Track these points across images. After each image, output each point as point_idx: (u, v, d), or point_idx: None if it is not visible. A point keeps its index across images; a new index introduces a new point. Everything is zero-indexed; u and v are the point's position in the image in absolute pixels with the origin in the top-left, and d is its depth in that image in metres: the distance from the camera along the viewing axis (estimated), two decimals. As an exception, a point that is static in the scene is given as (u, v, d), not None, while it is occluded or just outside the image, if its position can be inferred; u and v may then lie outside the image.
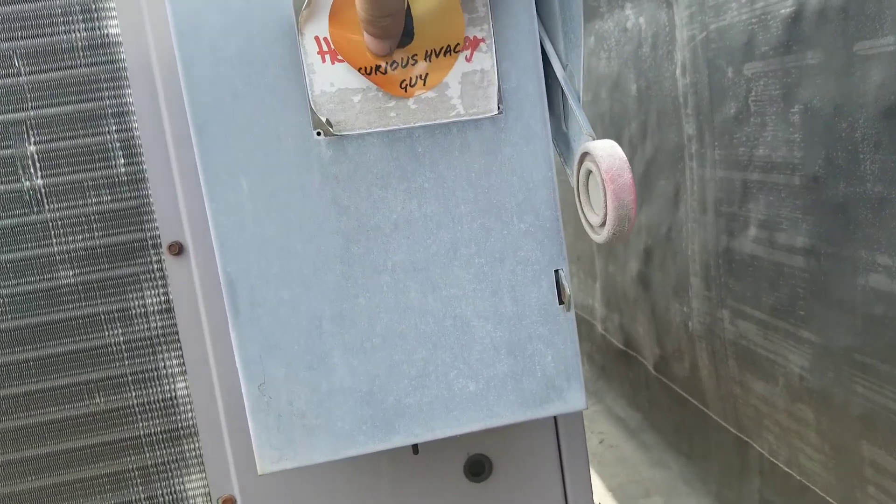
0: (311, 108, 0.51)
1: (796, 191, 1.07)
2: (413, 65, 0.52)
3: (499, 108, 0.53)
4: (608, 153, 0.48)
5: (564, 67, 0.54)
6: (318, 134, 0.52)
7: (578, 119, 0.52)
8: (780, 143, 1.09)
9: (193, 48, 0.50)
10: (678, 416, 1.61)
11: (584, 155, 0.51)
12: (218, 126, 0.51)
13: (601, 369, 2.12)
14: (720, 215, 1.28)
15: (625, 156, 0.48)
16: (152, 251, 0.68)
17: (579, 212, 0.54)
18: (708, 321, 1.40)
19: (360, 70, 0.51)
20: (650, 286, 1.65)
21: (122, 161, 0.67)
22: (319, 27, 0.50)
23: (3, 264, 0.66)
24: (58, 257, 0.67)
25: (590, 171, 0.51)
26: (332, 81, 0.51)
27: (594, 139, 0.51)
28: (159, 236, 0.67)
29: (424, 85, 0.52)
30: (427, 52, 0.52)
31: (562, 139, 0.57)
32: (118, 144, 0.67)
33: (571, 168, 0.55)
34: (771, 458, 1.24)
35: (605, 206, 0.48)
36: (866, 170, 0.91)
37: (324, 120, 0.51)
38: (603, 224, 0.50)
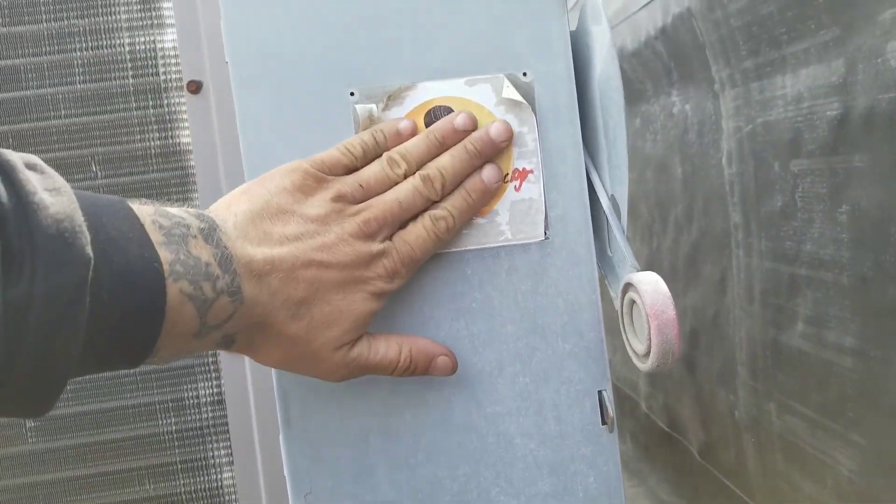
0: (368, 233, 0.54)
1: (845, 290, 1.06)
2: (465, 194, 0.55)
3: (545, 234, 0.56)
4: (653, 288, 0.49)
5: (609, 197, 0.56)
6: (373, 256, 0.55)
7: (622, 249, 0.54)
8: (828, 240, 1.08)
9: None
10: (723, 506, 1.56)
11: (628, 285, 0.52)
12: (280, 247, 0.54)
13: (644, 449, 2.07)
14: (767, 306, 1.27)
15: (668, 291, 0.49)
16: (209, 346, 0.71)
17: (623, 336, 0.55)
18: (754, 412, 1.37)
19: (414, 199, 0.54)
20: (695, 369, 1.63)
21: (187, 260, 0.71)
22: (378, 158, 0.54)
23: (72, 355, 0.70)
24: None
25: (633, 302, 0.52)
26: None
27: (638, 270, 0.52)
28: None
29: (476, 213, 0.55)
30: (479, 181, 0.55)
31: (606, 262, 0.59)
32: (184, 244, 0.71)
33: (616, 293, 0.56)
34: (821, 560, 1.19)
35: (650, 339, 0.49)
36: (917, 276, 0.90)
37: (379, 244, 0.54)
38: (647, 354, 0.51)
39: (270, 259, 0.43)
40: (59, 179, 0.35)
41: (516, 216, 0.55)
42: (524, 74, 0.55)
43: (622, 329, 0.55)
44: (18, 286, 0.30)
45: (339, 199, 0.48)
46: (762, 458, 1.35)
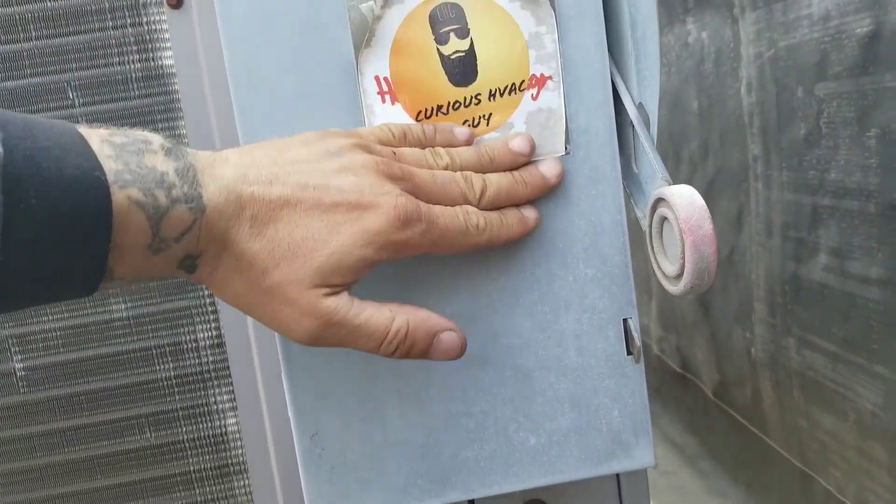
0: (369, 150, 0.49)
1: (871, 218, 1.01)
2: (476, 104, 0.49)
3: (566, 148, 0.50)
4: (687, 201, 0.44)
5: (637, 105, 0.51)
6: (376, 176, 0.49)
7: (653, 162, 0.49)
8: (855, 167, 1.02)
9: (248, 91, 0.48)
10: (738, 444, 1.54)
11: (659, 200, 0.47)
12: (273, 168, 0.49)
13: (656, 391, 2.05)
14: (787, 240, 1.22)
15: (705, 205, 0.44)
16: (204, 287, 0.67)
17: (651, 258, 0.50)
18: (772, 349, 1.34)
19: (418, 113, 0.49)
20: (710, 309, 1.59)
21: (176, 194, 0.66)
22: (380, 66, 0.48)
23: (59, 297, 0.66)
24: (111, 292, 0.66)
25: (664, 218, 0.47)
26: (393, 122, 0.49)
27: (670, 184, 0.47)
28: (212, 270, 0.66)
29: (488, 125, 0.50)
30: (491, 90, 0.49)
31: (632, 180, 0.54)
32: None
33: (644, 211, 0.51)
34: (838, 495, 1.17)
35: (683, 257, 0.44)
36: (954, 200, 0.85)
37: (382, 162, 0.49)
38: (679, 276, 0.46)
39: (244, 173, 0.39)
40: None
41: (534, 128, 0.50)
42: (540, -33, 0.49)
43: (650, 250, 0.50)
44: None
45: (363, 148, 0.42)
46: (779, 395, 1.32)
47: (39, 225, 0.32)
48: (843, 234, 1.07)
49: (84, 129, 0.36)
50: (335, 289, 0.39)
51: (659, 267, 0.49)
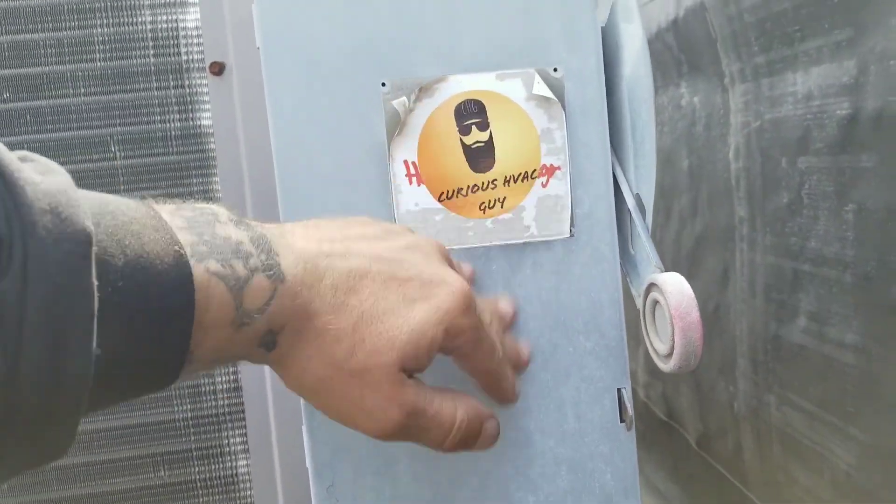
0: (395, 226, 0.54)
1: (847, 287, 1.07)
2: (493, 188, 0.55)
3: (571, 231, 0.56)
4: (678, 289, 0.50)
5: (634, 195, 0.56)
6: (400, 249, 0.55)
7: (647, 249, 0.54)
8: (833, 238, 1.09)
9: (291, 167, 0.53)
10: (719, 495, 1.58)
11: (652, 286, 0.53)
12: (306, 237, 0.54)
13: (641, 437, 2.09)
14: (769, 301, 1.28)
15: (693, 294, 0.49)
16: (225, 332, 0.71)
17: (644, 336, 0.56)
18: (754, 404, 1.39)
19: (441, 194, 0.54)
20: (692, 361, 1.64)
21: (204, 245, 0.70)
22: (408, 152, 0.54)
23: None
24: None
25: (656, 302, 0.53)
26: (417, 202, 0.54)
27: (662, 271, 0.53)
28: (233, 318, 0.71)
29: (503, 207, 0.55)
30: (506, 177, 0.55)
31: (629, 261, 0.59)
32: (201, 229, 0.70)
33: (638, 291, 0.57)
34: (812, 551, 1.22)
35: (673, 340, 0.50)
36: (922, 277, 0.91)
37: (406, 237, 0.54)
38: (669, 355, 0.51)
39: (317, 245, 0.37)
40: (53, 164, 0.30)
41: (542, 212, 0.55)
42: (554, 70, 0.55)
43: (643, 328, 0.56)
44: (8, 274, 0.24)
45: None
46: (760, 449, 1.37)
47: (127, 308, 0.29)
48: (821, 300, 1.14)
49: (152, 203, 0.35)
50: (412, 373, 0.38)
51: (651, 345, 0.55)
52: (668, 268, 0.54)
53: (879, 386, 1.00)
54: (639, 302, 0.56)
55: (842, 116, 1.05)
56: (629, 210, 0.56)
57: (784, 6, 1.12)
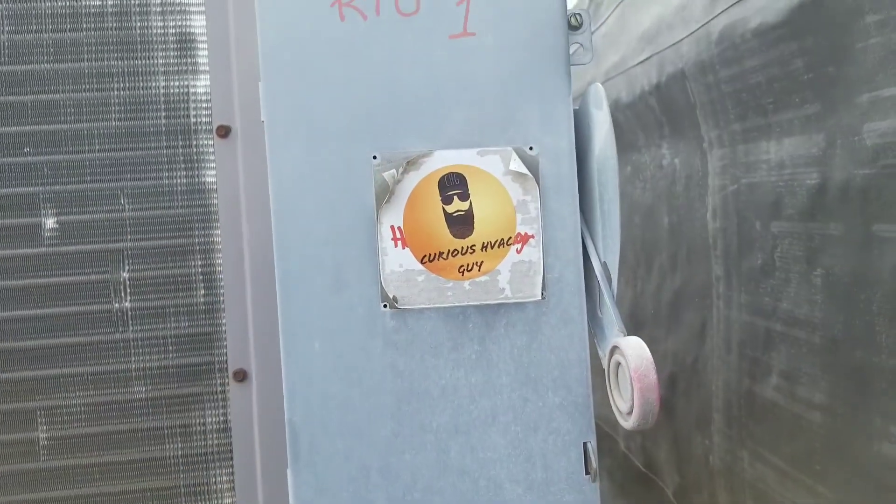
0: (382, 285, 0.59)
1: (816, 349, 1.12)
2: (471, 253, 0.60)
3: (542, 294, 0.61)
4: (637, 353, 0.54)
5: (602, 264, 0.62)
6: (385, 306, 0.60)
7: (612, 314, 0.59)
8: (803, 300, 1.14)
9: (288, 229, 0.59)
10: (693, 547, 1.60)
11: (615, 348, 0.57)
12: (300, 292, 0.59)
13: (620, 487, 2.11)
14: (744, 357, 1.33)
15: (651, 357, 0.54)
16: (218, 375, 0.75)
17: (609, 394, 0.60)
18: (728, 459, 1.42)
19: (424, 257, 0.59)
20: (674, 412, 1.68)
21: (203, 292, 0.75)
22: (395, 218, 0.59)
23: (86, 376, 0.74)
24: (134, 373, 0.75)
25: (619, 364, 0.57)
26: (402, 263, 0.59)
27: (625, 335, 0.58)
28: (227, 362, 0.75)
29: (480, 271, 0.60)
30: (484, 243, 0.60)
31: (596, 323, 0.64)
32: (201, 277, 0.75)
33: (603, 352, 0.62)
34: None
35: (633, 399, 0.54)
36: (882, 342, 0.97)
37: (391, 296, 0.59)
38: (629, 413, 0.56)
39: None
40: None
41: (516, 276, 0.60)
42: (530, 148, 0.60)
43: (608, 387, 0.60)
44: None
45: None
46: (733, 503, 1.40)
47: None
48: (791, 360, 1.18)
49: None
50: None
51: (614, 403, 0.59)
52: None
53: (845, 446, 1.04)
54: (604, 362, 0.61)
55: (811, 185, 1.12)
56: (597, 277, 0.61)
57: (759, 79, 1.20)
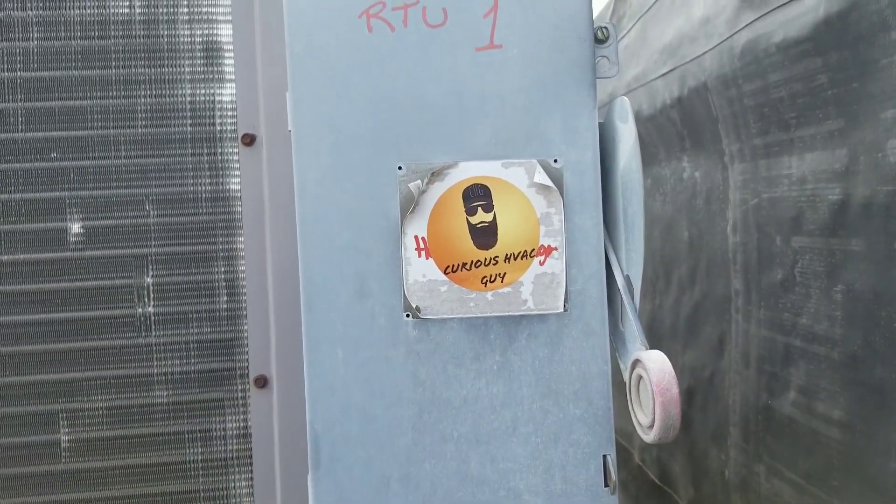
0: (405, 294, 0.59)
1: (836, 365, 1.11)
2: (494, 264, 0.60)
3: (565, 306, 0.61)
4: (659, 367, 0.54)
5: (625, 277, 0.62)
6: (408, 316, 0.60)
7: (634, 328, 0.59)
8: (823, 316, 1.13)
9: (313, 237, 0.59)
10: (707, 563, 1.59)
11: (637, 362, 0.57)
12: (324, 301, 0.59)
13: (635, 500, 2.10)
14: (762, 372, 1.32)
15: (673, 371, 0.54)
16: (239, 381, 0.76)
17: (630, 407, 0.60)
18: (744, 473, 1.41)
19: (447, 268, 0.60)
20: (690, 426, 1.67)
21: (226, 298, 0.76)
22: (419, 228, 0.59)
23: (109, 380, 0.75)
24: (156, 378, 0.75)
25: (640, 377, 0.57)
26: (425, 273, 0.60)
27: (647, 349, 0.57)
28: (248, 368, 0.76)
29: (503, 282, 0.60)
30: (507, 255, 0.60)
31: (618, 336, 0.64)
32: (224, 283, 0.76)
33: (625, 366, 0.61)
34: None
35: (654, 413, 0.54)
36: (904, 360, 0.95)
37: (414, 305, 0.59)
38: (650, 427, 0.55)
39: None
40: None
41: (539, 288, 0.61)
42: (555, 161, 0.61)
43: (629, 400, 0.60)
44: None
45: None
46: (749, 520, 1.39)
47: None
48: (810, 375, 1.17)
49: None
50: None
51: (635, 416, 0.59)
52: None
53: (862, 462, 1.03)
54: (625, 375, 0.61)
55: (833, 201, 1.11)
56: (619, 290, 0.61)
57: (781, 94, 1.19)
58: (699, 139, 1.55)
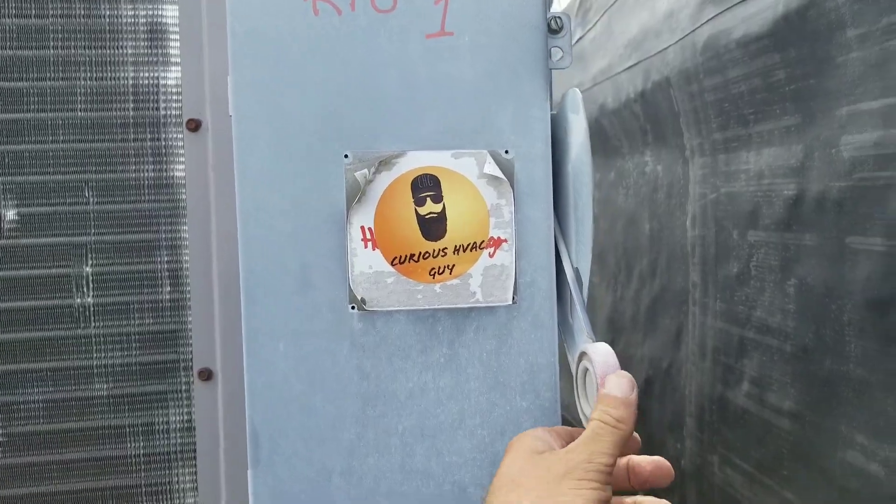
0: (350, 286, 0.58)
1: (787, 357, 1.12)
2: (443, 256, 0.59)
3: (513, 299, 0.60)
4: (603, 359, 0.53)
5: (574, 269, 0.61)
6: (353, 308, 0.58)
7: (581, 320, 0.58)
8: (776, 309, 1.15)
9: (254, 227, 0.57)
10: (663, 552, 1.61)
11: (583, 354, 0.57)
12: (266, 292, 0.58)
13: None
14: (717, 364, 1.33)
15: (618, 363, 0.53)
16: (183, 373, 0.74)
17: (576, 399, 0.60)
18: (699, 462, 1.43)
19: (394, 259, 0.58)
20: (648, 416, 1.68)
21: (169, 289, 0.74)
22: (366, 218, 0.58)
23: (45, 373, 0.72)
24: (95, 370, 0.73)
25: (587, 369, 0.57)
26: (371, 264, 0.58)
27: (593, 341, 0.57)
28: (192, 360, 0.73)
29: (451, 274, 0.59)
30: (456, 246, 0.59)
31: (567, 328, 0.63)
32: (167, 273, 0.74)
33: (573, 357, 0.61)
34: None
35: (598, 394, 0.53)
36: (850, 352, 0.97)
37: (359, 297, 0.58)
38: (595, 420, 0.55)
39: None
40: None
41: (488, 280, 0.60)
42: (506, 152, 0.59)
43: (575, 392, 0.59)
44: None
45: None
46: (702, 510, 1.41)
47: None
48: (763, 367, 1.19)
49: None
50: None
51: (581, 408, 0.58)
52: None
53: (811, 452, 1.05)
54: (573, 368, 0.60)
55: (788, 196, 1.12)
56: (569, 283, 0.61)
57: (741, 89, 1.20)
58: (661, 133, 1.56)
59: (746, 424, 1.22)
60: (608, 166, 1.89)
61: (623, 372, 0.53)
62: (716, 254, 1.32)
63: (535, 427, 0.60)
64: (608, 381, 0.52)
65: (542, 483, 0.48)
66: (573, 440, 0.51)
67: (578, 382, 0.59)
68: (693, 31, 1.33)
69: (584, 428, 0.57)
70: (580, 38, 2.00)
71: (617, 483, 0.54)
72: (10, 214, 0.70)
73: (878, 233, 0.93)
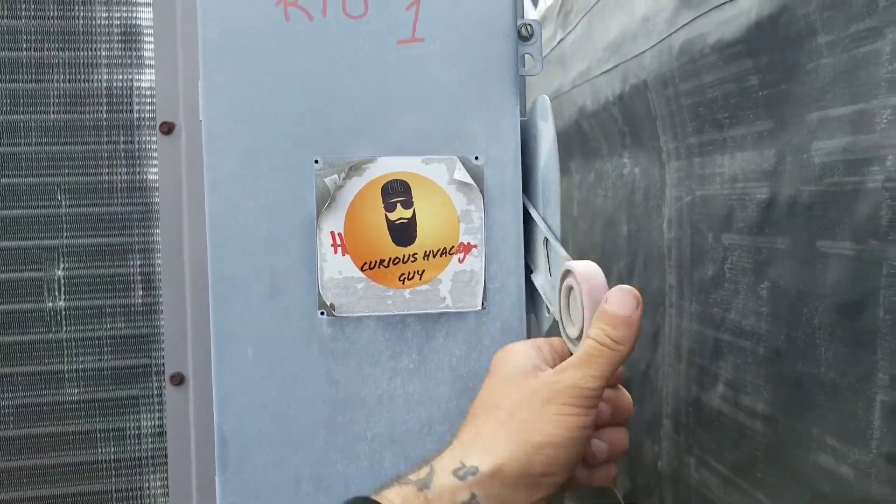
0: (319, 292, 0.58)
1: (760, 359, 1.14)
2: (413, 261, 0.59)
3: (483, 304, 0.60)
4: (589, 272, 0.51)
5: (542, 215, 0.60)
6: (322, 314, 0.59)
7: (557, 250, 0.56)
8: (750, 312, 1.16)
9: (225, 232, 0.57)
10: (641, 552, 1.62)
11: (567, 272, 0.54)
12: (235, 297, 0.58)
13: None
14: (692, 366, 1.35)
15: (605, 279, 0.51)
16: (155, 378, 0.73)
17: (560, 327, 0.57)
18: (675, 464, 1.44)
19: (364, 264, 0.58)
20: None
21: (141, 293, 0.73)
22: (336, 224, 0.58)
23: (16, 377, 0.71)
24: (66, 375, 0.72)
25: (570, 288, 0.54)
26: (341, 270, 0.58)
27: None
28: (164, 365, 0.73)
29: (421, 279, 0.60)
30: (426, 252, 0.59)
31: (549, 286, 0.61)
32: (139, 277, 0.73)
33: (554, 283, 0.57)
34: None
35: (583, 321, 0.51)
36: (821, 355, 0.98)
37: (329, 303, 0.58)
38: (580, 336, 0.52)
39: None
40: None
41: (458, 286, 0.60)
42: (476, 158, 0.60)
43: (559, 319, 0.56)
44: None
45: None
46: (678, 510, 1.42)
47: None
48: (737, 369, 1.20)
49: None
50: None
51: (564, 331, 0.55)
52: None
53: (784, 455, 1.06)
54: (555, 298, 0.57)
55: (761, 200, 1.14)
56: (545, 238, 0.58)
57: (715, 94, 1.21)
58: (639, 136, 1.57)
59: (721, 426, 1.23)
60: (588, 168, 1.90)
61: (627, 287, 0.50)
62: (691, 256, 1.34)
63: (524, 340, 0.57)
64: (611, 297, 0.48)
65: (523, 408, 0.46)
66: (564, 358, 0.49)
67: (562, 303, 0.56)
68: (669, 35, 1.35)
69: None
70: (560, 41, 2.01)
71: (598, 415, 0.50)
72: (-20, 218, 0.69)
73: (847, 237, 0.94)
